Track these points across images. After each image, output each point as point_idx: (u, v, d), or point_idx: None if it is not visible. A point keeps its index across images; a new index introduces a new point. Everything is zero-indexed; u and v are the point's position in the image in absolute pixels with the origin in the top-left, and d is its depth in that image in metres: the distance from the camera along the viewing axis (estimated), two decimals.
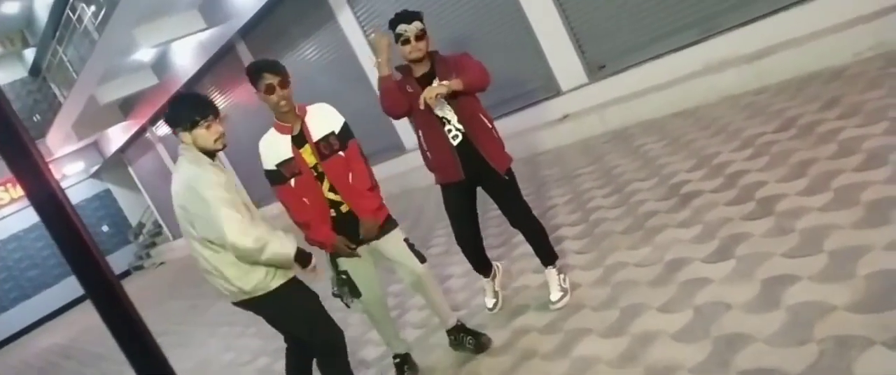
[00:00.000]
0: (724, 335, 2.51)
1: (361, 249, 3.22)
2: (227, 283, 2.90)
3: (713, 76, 5.85)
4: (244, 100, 12.43)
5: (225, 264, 2.85)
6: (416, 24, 3.27)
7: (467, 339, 3.39)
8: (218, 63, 11.94)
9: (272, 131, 3.15)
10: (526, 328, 3.40)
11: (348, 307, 3.29)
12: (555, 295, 3.48)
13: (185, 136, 2.84)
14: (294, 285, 3.02)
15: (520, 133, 7.83)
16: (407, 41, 3.26)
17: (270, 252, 2.80)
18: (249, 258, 2.80)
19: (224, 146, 2.92)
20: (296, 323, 3.10)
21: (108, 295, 0.82)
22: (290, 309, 3.03)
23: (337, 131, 3.11)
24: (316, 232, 3.13)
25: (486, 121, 3.50)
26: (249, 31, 10.62)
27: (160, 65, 12.70)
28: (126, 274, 19.89)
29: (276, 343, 3.74)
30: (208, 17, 10.45)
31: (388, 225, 3.23)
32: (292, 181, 3.10)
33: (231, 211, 2.73)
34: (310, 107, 3.15)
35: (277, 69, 3.02)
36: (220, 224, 2.70)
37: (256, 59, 3.13)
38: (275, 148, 3.11)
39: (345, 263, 3.22)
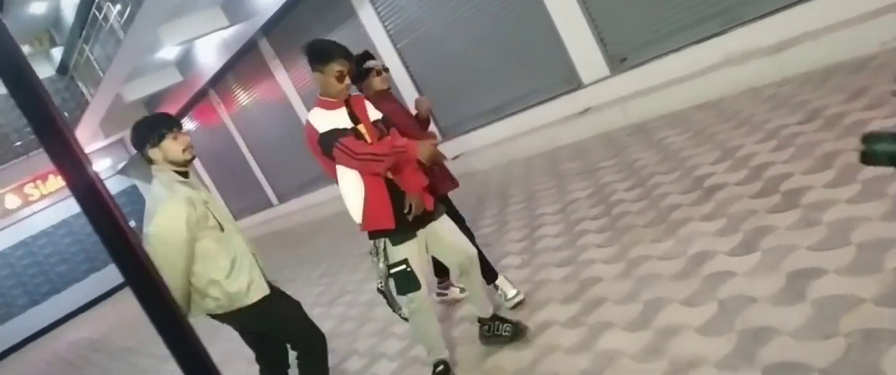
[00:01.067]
0: (748, 328, 2.50)
1: (419, 235, 3.09)
2: (206, 295, 2.95)
3: (735, 68, 5.78)
4: (268, 96, 12.55)
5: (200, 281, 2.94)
6: (380, 59, 3.72)
7: (504, 327, 3.34)
8: (241, 60, 12.07)
9: (319, 109, 3.00)
10: (548, 322, 3.41)
11: (395, 311, 3.13)
12: (511, 292, 3.78)
13: (155, 153, 2.92)
14: (276, 295, 3.12)
15: (541, 126, 7.82)
16: (379, 72, 3.65)
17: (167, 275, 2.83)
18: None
19: (193, 156, 2.99)
20: (283, 329, 3.19)
21: (147, 283, 0.85)
22: (276, 317, 3.13)
23: (380, 119, 3.12)
24: (392, 143, 2.93)
25: None
26: (271, 27, 10.71)
27: (184, 62, 12.86)
28: None
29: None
30: (231, 15, 10.55)
31: (441, 206, 3.24)
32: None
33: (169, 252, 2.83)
34: (355, 95, 3.14)
35: (351, 56, 3.01)
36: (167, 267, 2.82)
37: (322, 39, 3.03)
38: (331, 118, 2.95)
39: (402, 252, 3.02)
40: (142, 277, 0.85)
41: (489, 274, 3.81)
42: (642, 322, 2.95)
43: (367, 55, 3.73)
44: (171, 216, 2.83)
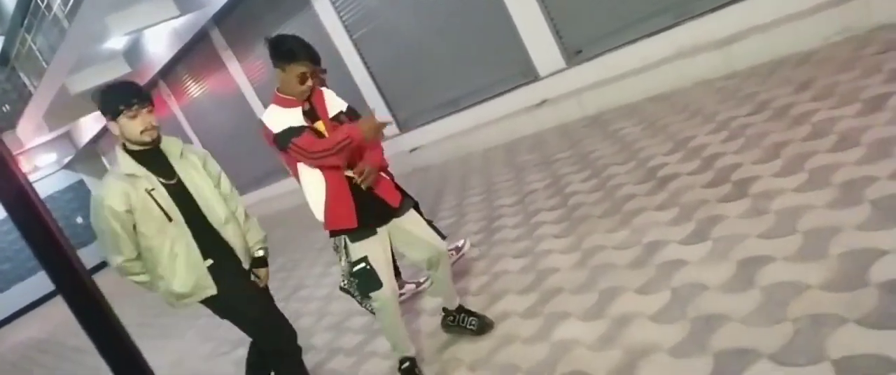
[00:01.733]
0: (701, 315, 2.55)
1: (380, 233, 3.03)
2: (164, 287, 2.91)
3: (686, 61, 5.89)
4: (220, 88, 12.29)
5: (159, 275, 2.90)
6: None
7: (469, 320, 3.33)
8: (192, 50, 11.78)
9: (275, 107, 2.93)
10: (506, 313, 3.42)
11: (362, 305, 3.10)
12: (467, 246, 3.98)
13: (114, 127, 2.78)
14: (220, 298, 2.96)
15: (499, 119, 7.84)
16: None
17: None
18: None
19: (152, 139, 2.80)
20: (243, 328, 3.11)
21: (81, 292, 0.80)
22: (234, 317, 3.05)
23: (344, 110, 3.04)
24: (338, 136, 2.81)
25: None
26: (223, 17, 10.48)
27: (133, 53, 12.47)
28: (102, 265, 19.62)
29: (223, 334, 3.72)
30: (181, 4, 10.27)
31: (407, 202, 3.18)
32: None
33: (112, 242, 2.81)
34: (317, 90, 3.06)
35: (317, 58, 2.90)
36: (106, 252, 2.86)
37: (288, 36, 2.89)
38: (284, 117, 2.88)
39: (361, 250, 2.99)
40: (74, 285, 0.80)
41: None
42: (598, 311, 2.98)
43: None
44: (98, 201, 2.77)
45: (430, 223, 3.28)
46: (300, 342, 3.23)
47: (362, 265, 2.98)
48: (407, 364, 3.22)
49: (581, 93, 6.85)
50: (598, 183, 4.63)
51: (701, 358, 2.31)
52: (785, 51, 5.17)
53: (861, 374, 1.91)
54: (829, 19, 4.92)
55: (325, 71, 3.57)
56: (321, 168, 2.89)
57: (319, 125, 2.93)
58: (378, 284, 3.01)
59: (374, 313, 3.12)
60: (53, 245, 0.77)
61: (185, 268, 2.85)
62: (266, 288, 3.19)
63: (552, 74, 7.24)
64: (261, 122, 2.92)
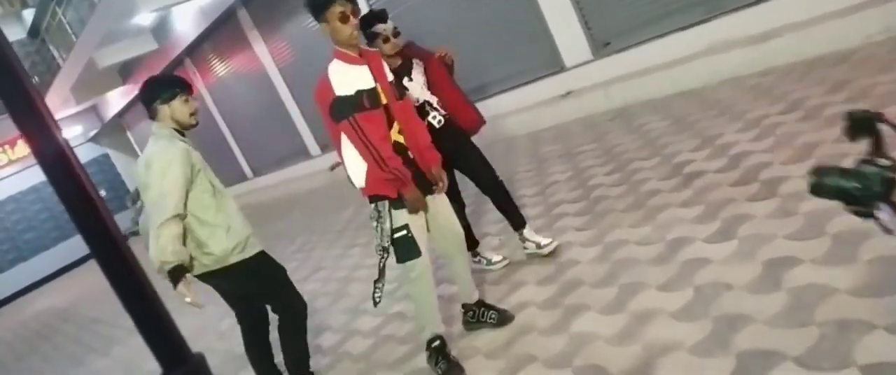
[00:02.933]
0: (723, 315, 2.51)
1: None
2: (201, 250, 2.98)
3: (718, 56, 5.79)
4: (245, 68, 12.34)
5: (197, 232, 2.97)
6: (390, 23, 3.56)
7: (489, 314, 3.30)
8: (218, 29, 11.82)
9: (339, 62, 2.87)
10: (524, 303, 3.41)
11: (376, 301, 3.00)
12: (543, 241, 3.81)
13: (164, 109, 3.03)
14: (263, 256, 3.18)
15: (523, 109, 7.78)
16: (386, 39, 3.52)
17: (160, 241, 2.81)
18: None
19: (197, 122, 3.13)
20: (267, 292, 3.25)
21: (115, 256, 0.80)
22: (265, 277, 3.21)
23: (392, 81, 3.00)
24: (397, 162, 2.84)
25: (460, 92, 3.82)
26: None
27: (160, 30, 12.56)
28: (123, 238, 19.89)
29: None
30: None
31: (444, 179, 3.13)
32: (370, 114, 2.83)
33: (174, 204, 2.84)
34: (371, 50, 3.04)
35: (355, 1, 2.84)
36: (164, 210, 2.82)
37: None
38: (352, 75, 2.83)
39: (404, 218, 2.91)
40: (110, 250, 0.80)
41: (519, 220, 3.89)
42: (618, 305, 2.96)
43: (376, 16, 3.55)
44: (169, 158, 2.89)
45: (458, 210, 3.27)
46: (317, 322, 3.27)
47: (404, 232, 2.92)
48: (437, 342, 3.13)
49: (608, 85, 6.77)
50: (622, 176, 4.58)
51: (723, 358, 2.28)
52: (822, 49, 5.06)
53: None
54: (869, 18, 4.80)
55: (398, 33, 3.58)
56: (358, 151, 2.85)
57: (378, 88, 2.86)
58: (418, 252, 2.96)
59: (376, 303, 3.04)
60: (92, 210, 0.77)
61: (238, 226, 3.06)
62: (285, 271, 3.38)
63: (579, 65, 7.17)
64: (323, 76, 2.85)
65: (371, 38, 3.51)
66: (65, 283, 16.34)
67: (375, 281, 3.00)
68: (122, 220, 20.42)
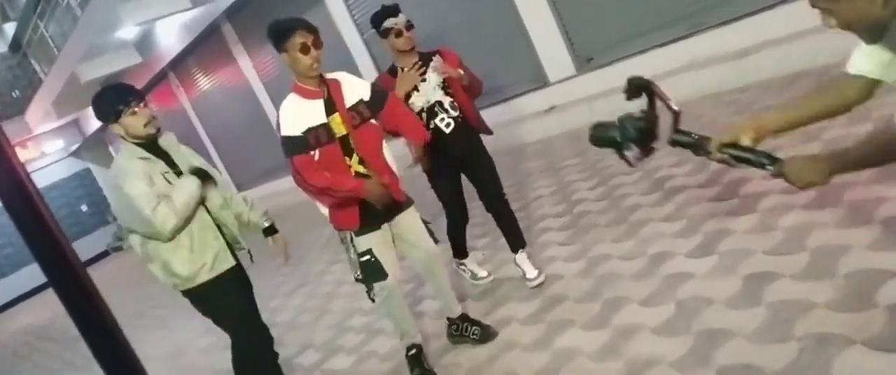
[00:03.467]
0: (705, 330, 2.52)
1: (383, 228, 3.04)
2: (164, 272, 2.94)
3: (698, 72, 5.86)
4: (229, 82, 12.30)
5: (161, 251, 2.89)
6: (402, 16, 3.45)
7: (473, 329, 3.29)
8: (203, 43, 11.80)
9: (295, 96, 2.86)
10: (507, 318, 3.40)
11: (372, 299, 3.10)
12: (531, 273, 3.64)
13: (117, 128, 2.86)
14: (225, 281, 3.01)
15: (506, 123, 7.80)
16: (399, 33, 3.42)
17: (179, 203, 2.78)
18: (178, 227, 2.81)
19: (156, 130, 2.91)
20: (229, 318, 3.11)
21: (73, 285, 0.78)
22: (226, 301, 3.05)
23: (367, 98, 2.96)
24: (342, 184, 2.84)
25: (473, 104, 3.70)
26: (236, 12, 10.48)
27: (144, 43, 12.51)
28: (104, 254, 19.67)
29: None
30: None
31: (408, 201, 3.15)
32: (316, 152, 2.81)
33: (151, 201, 2.75)
34: (334, 75, 2.99)
35: (312, 27, 2.83)
36: (147, 217, 2.74)
37: (279, 18, 2.90)
38: (303, 112, 2.82)
39: (365, 244, 2.98)
40: (68, 279, 0.78)
41: (518, 240, 3.78)
42: (601, 321, 2.96)
43: (389, 11, 3.46)
44: (119, 182, 2.80)
45: (426, 223, 3.25)
46: (299, 339, 3.23)
47: (367, 257, 2.99)
48: (414, 350, 3.23)
49: (591, 100, 6.82)
50: (605, 191, 4.60)
51: (704, 374, 2.28)
52: (801, 65, 5.13)
53: None
54: (848, 36, 4.87)
55: (411, 26, 3.47)
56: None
57: (335, 118, 2.85)
58: (383, 275, 3.01)
59: (374, 301, 3.14)
60: (48, 237, 0.75)
61: (206, 240, 2.94)
62: (252, 294, 3.26)
63: (562, 80, 7.23)
64: (279, 113, 2.88)
65: (384, 34, 3.44)
66: (45, 300, 16.09)
67: (367, 291, 3.12)
68: (105, 236, 20.19)
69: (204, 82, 13.25)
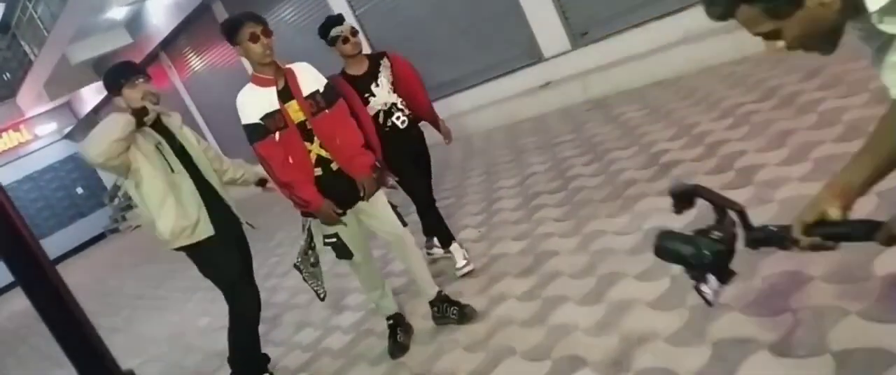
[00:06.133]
0: (700, 304, 2.48)
1: (347, 215, 3.15)
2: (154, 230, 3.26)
3: (694, 45, 5.82)
4: (220, 61, 12.19)
5: (152, 212, 3.21)
6: (347, 24, 3.67)
7: (451, 310, 3.32)
8: (193, 23, 11.66)
9: (251, 86, 3.01)
10: (503, 295, 3.40)
11: (317, 294, 3.31)
12: (461, 262, 3.84)
13: (119, 101, 3.18)
14: (218, 244, 3.30)
15: (501, 100, 7.77)
16: (346, 40, 3.63)
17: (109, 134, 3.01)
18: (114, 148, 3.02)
19: (155, 102, 3.21)
20: (224, 277, 3.41)
21: (40, 282, 0.75)
22: (220, 262, 3.36)
23: (321, 90, 3.05)
24: (301, 190, 3.00)
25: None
26: None
27: (134, 24, 12.38)
28: (101, 236, 19.65)
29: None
30: None
31: (376, 186, 3.17)
32: (276, 135, 2.95)
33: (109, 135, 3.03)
34: (292, 65, 3.08)
35: (259, 18, 2.97)
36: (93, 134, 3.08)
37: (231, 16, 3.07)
38: (257, 101, 2.96)
39: (331, 227, 3.13)
40: (35, 276, 0.75)
41: (446, 239, 3.95)
42: (596, 296, 2.96)
43: (334, 21, 3.69)
44: (110, 120, 3.09)
45: (394, 207, 3.28)
46: (296, 318, 3.30)
47: (334, 239, 3.14)
48: (390, 321, 3.39)
49: (586, 75, 6.78)
50: (600, 167, 4.59)
51: (699, 347, 2.28)
52: None
53: (861, 367, 1.88)
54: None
55: (356, 32, 3.71)
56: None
57: (292, 105, 2.96)
58: (350, 254, 3.19)
59: (322, 299, 3.41)
60: (14, 235, 0.73)
61: (188, 209, 3.21)
62: (250, 259, 3.60)
63: (557, 56, 7.17)
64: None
65: (332, 42, 3.65)
66: None
67: (306, 281, 3.37)
68: (101, 218, 20.17)
69: (195, 62, 13.13)
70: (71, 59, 12.30)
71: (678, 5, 6.04)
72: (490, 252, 4.03)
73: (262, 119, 2.94)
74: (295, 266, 3.25)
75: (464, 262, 3.87)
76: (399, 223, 3.25)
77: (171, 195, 3.18)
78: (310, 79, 3.06)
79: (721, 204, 1.50)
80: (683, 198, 1.55)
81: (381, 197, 3.21)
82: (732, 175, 3.45)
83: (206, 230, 3.25)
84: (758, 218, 2.91)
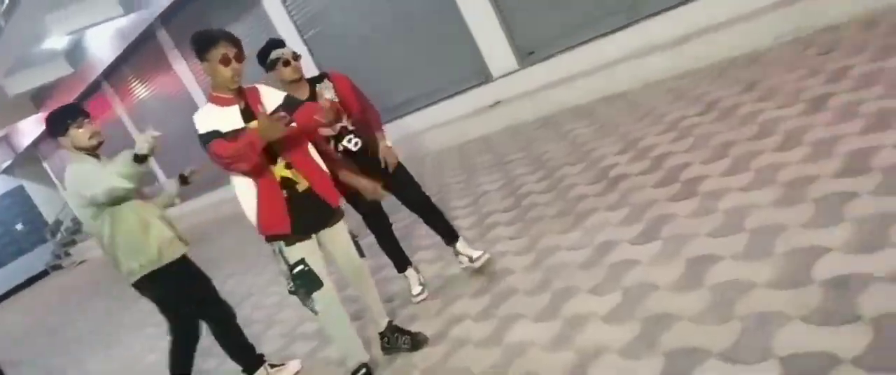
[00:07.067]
0: (651, 315, 2.55)
1: (313, 238, 3.01)
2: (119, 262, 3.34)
3: (638, 61, 5.96)
4: (166, 89, 11.96)
5: (115, 244, 3.29)
6: (289, 48, 3.50)
7: (402, 339, 3.27)
8: (137, 51, 11.43)
9: (210, 105, 2.88)
10: (460, 316, 3.38)
11: (314, 311, 3.02)
12: (475, 253, 3.76)
13: (65, 141, 3.28)
14: (176, 268, 3.41)
15: (452, 120, 7.81)
16: (286, 63, 3.46)
17: (118, 172, 3.07)
18: (130, 181, 3.10)
19: (100, 142, 3.31)
20: (197, 291, 3.54)
21: None
22: (194, 278, 3.54)
23: (282, 103, 2.95)
24: (240, 142, 2.71)
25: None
26: (170, 17, 10.19)
27: (75, 53, 12.06)
28: (44, 273, 18.91)
29: (201, 343, 3.63)
30: (126, 3, 9.96)
31: (338, 213, 3.10)
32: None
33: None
34: (253, 85, 2.98)
35: (236, 40, 2.84)
36: (107, 182, 3.08)
37: (204, 29, 2.90)
38: (219, 118, 2.82)
39: (298, 252, 2.94)
40: None
41: (402, 263, 3.90)
42: (551, 312, 2.97)
43: (274, 44, 3.52)
44: (84, 171, 3.19)
45: (353, 237, 3.21)
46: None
47: (301, 267, 2.94)
48: (363, 371, 3.14)
49: (534, 94, 6.87)
50: (551, 183, 4.63)
51: (651, 359, 2.31)
52: (735, 51, 5.27)
53: (806, 371, 1.92)
54: (778, 20, 5.03)
55: (298, 57, 3.52)
56: (250, 172, 2.83)
57: (254, 124, 2.81)
58: (319, 283, 2.98)
59: (316, 311, 3.07)
60: None
61: (160, 235, 3.35)
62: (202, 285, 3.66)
63: (505, 75, 7.25)
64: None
65: (271, 65, 3.46)
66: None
67: (305, 305, 3.07)
68: (43, 254, 19.41)
69: (140, 90, 12.84)
70: (8, 91, 11.88)
71: (622, 23, 6.19)
72: (445, 273, 4.02)
73: (224, 136, 2.79)
74: (290, 292, 3.04)
75: (419, 288, 3.84)
76: (357, 254, 3.19)
77: (150, 217, 3.36)
78: (271, 98, 2.96)
79: None
80: None
81: (342, 226, 3.13)
82: (678, 186, 3.53)
83: (182, 246, 3.46)
84: (702, 228, 2.99)
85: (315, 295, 2.98)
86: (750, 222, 2.82)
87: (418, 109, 8.26)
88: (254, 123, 2.80)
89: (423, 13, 7.53)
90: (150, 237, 3.30)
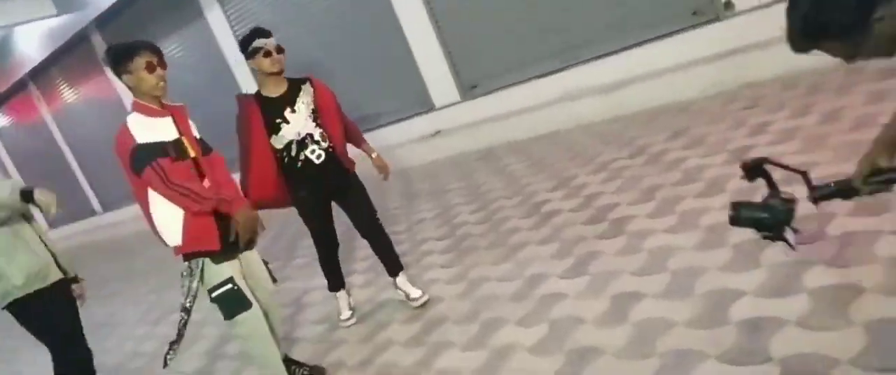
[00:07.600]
0: (576, 348, 2.63)
1: (239, 258, 2.96)
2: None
3: (572, 103, 6.17)
4: (97, 95, 11.55)
5: None
6: (274, 39, 3.35)
7: (300, 371, 3.24)
8: (69, 53, 11.01)
9: (138, 115, 2.75)
10: (388, 342, 3.38)
11: (166, 362, 2.93)
12: (415, 292, 3.65)
13: None
14: (61, 292, 3.33)
15: (393, 146, 7.83)
16: (268, 54, 3.31)
17: None
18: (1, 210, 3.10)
19: None
20: (52, 332, 3.34)
21: None
22: (59, 310, 3.34)
23: (199, 137, 2.97)
24: (230, 195, 2.86)
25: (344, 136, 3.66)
26: (107, 22, 9.87)
27: (1, 48, 11.51)
28: None
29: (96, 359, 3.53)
30: (60, 3, 9.61)
31: (255, 238, 3.05)
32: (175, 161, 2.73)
33: None
34: (176, 104, 2.93)
35: (156, 47, 2.79)
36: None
37: (119, 42, 2.83)
38: (154, 127, 2.74)
39: (226, 271, 2.83)
40: None
41: (395, 265, 3.75)
42: (479, 342, 3.01)
43: (259, 32, 3.35)
44: None
45: (266, 264, 3.19)
46: (169, 369, 3.08)
47: (228, 286, 2.83)
48: None
49: (475, 126, 6.99)
50: (486, 215, 4.71)
51: None
52: (664, 100, 5.54)
53: (805, 371, 2.00)
54: (704, 74, 5.32)
55: (282, 50, 3.37)
56: (169, 200, 2.73)
57: (184, 140, 2.80)
58: (248, 304, 2.88)
59: (167, 363, 2.97)
60: None
61: (38, 253, 3.26)
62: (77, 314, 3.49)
63: (447, 106, 7.36)
64: (122, 127, 2.72)
65: (252, 54, 3.31)
66: None
67: (172, 343, 2.93)
68: None
69: (69, 95, 12.35)
70: None
71: (559, 66, 6.40)
72: (377, 298, 4.01)
73: (159, 142, 2.73)
74: (184, 308, 2.87)
75: (349, 313, 3.81)
76: (270, 279, 3.17)
77: (20, 240, 3.20)
78: (193, 125, 2.96)
79: (787, 170, 1.70)
80: (753, 171, 1.74)
81: (255, 252, 3.10)
82: (606, 225, 3.66)
83: (56, 273, 3.31)
84: (628, 266, 3.10)
85: (240, 316, 2.88)
86: (672, 263, 2.96)
87: (363, 132, 8.24)
88: (183, 139, 2.80)
89: (371, 38, 7.58)
90: (17, 260, 3.16)
